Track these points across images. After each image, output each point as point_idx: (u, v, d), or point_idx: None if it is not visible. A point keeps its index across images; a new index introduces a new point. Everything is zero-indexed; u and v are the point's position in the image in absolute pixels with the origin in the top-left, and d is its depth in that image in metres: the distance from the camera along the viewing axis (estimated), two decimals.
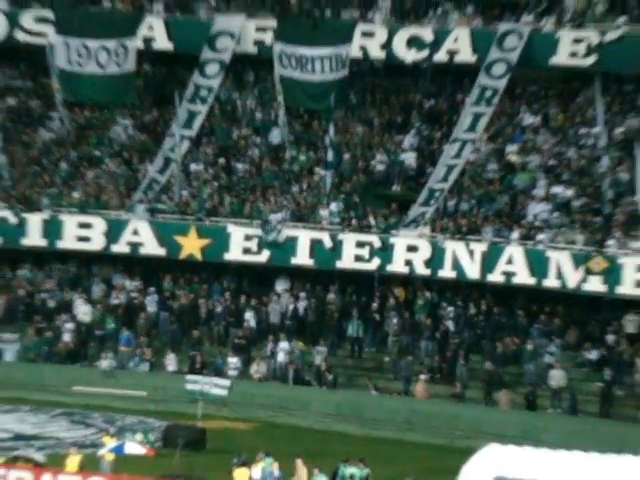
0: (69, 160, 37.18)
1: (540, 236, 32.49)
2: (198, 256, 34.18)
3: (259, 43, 36.51)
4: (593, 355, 31.84)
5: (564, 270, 31.65)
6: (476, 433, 28.97)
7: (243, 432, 29.20)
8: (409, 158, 35.68)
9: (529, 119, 35.86)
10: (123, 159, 37.10)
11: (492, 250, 32.31)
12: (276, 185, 35.63)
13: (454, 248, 32.48)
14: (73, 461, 23.38)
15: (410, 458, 27.35)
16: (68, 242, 34.68)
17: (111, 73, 35.96)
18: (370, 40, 35.88)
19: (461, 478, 19.48)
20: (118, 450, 24.34)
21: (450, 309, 33.13)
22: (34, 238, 34.83)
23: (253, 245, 33.81)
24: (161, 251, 34.31)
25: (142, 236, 34.38)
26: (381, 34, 35.87)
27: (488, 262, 32.19)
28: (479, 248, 32.35)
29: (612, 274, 31.23)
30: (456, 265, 32.39)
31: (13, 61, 39.46)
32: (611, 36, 34.34)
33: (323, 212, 34.29)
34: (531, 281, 31.94)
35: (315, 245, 33.46)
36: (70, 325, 34.24)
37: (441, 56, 35.48)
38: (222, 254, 34.00)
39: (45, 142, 37.83)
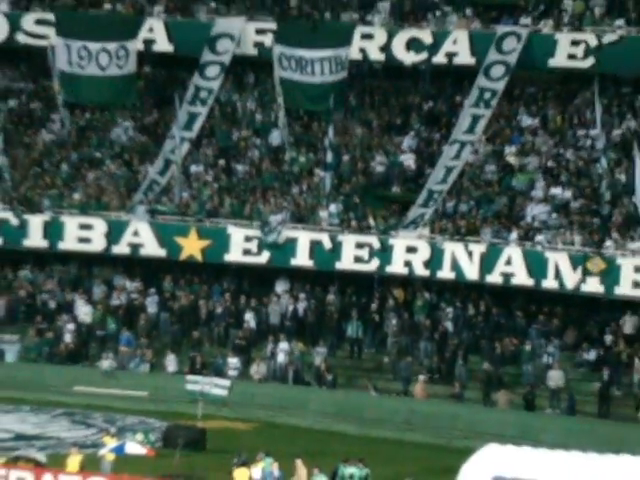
0: (70, 162, 37.27)
1: (539, 237, 32.63)
2: (198, 257, 34.30)
3: (259, 45, 36.58)
4: (591, 355, 31.92)
5: (562, 271, 31.74)
6: (475, 433, 29.04)
7: (243, 432, 29.29)
8: (408, 159, 35.78)
9: (527, 121, 35.92)
10: (124, 161, 37.17)
11: (491, 251, 32.41)
12: (276, 186, 35.72)
13: (453, 249, 32.58)
14: (74, 461, 23.47)
15: (409, 458, 27.45)
16: (69, 243, 34.81)
17: (112, 75, 36.10)
18: (369, 42, 35.95)
19: (460, 478, 19.61)
20: (119, 450, 24.47)
21: (449, 310, 33.21)
22: (35, 239, 34.96)
23: (253, 246, 33.94)
24: (161, 252, 34.44)
25: (142, 237, 34.51)
26: (380, 36, 35.94)
27: (487, 263, 32.29)
28: (478, 249, 32.46)
29: (610, 275, 31.32)
30: (455, 266, 32.50)
31: (14, 63, 39.52)
32: (609, 38, 34.41)
33: (323, 213, 34.39)
34: (529, 282, 32.04)
35: (315, 246, 33.59)
36: (71, 326, 34.37)
37: (440, 58, 35.53)
38: (222, 255, 34.12)
39: (46, 144, 37.90)
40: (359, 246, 33.32)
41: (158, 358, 33.74)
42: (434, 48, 35.51)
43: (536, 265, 31.97)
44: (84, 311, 34.67)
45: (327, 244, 33.58)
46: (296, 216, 34.45)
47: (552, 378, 31.39)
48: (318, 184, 35.47)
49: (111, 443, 24.77)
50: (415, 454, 28.11)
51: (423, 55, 35.71)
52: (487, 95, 34.67)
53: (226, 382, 29.23)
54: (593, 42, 34.55)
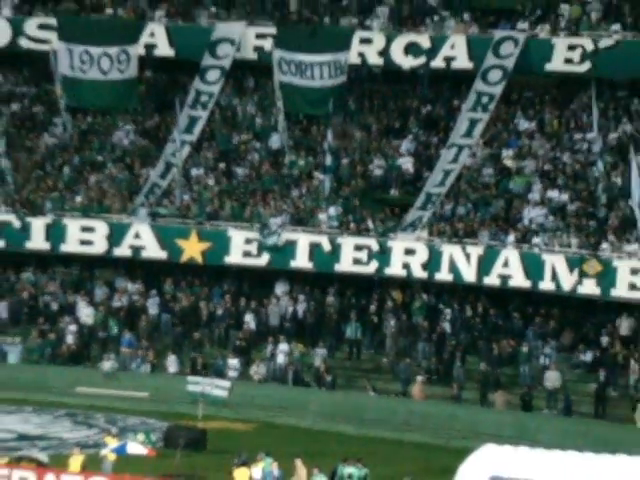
0: (72, 165, 37.43)
1: (535, 240, 32.87)
2: (199, 259, 34.50)
3: (259, 50, 36.64)
4: (588, 357, 32.06)
5: (559, 273, 31.89)
6: (472, 433, 29.21)
7: (243, 433, 29.45)
8: (406, 163, 36.00)
9: (525, 124, 36.03)
10: (125, 164, 37.29)
11: (488, 253, 32.60)
12: (276, 189, 35.89)
13: (451, 251, 32.77)
14: (76, 461, 23.66)
15: (408, 458, 27.61)
16: (71, 245, 34.99)
17: (113, 79, 36.27)
18: (368, 47, 36.02)
19: (458, 478, 19.69)
20: (120, 450, 24.61)
21: (447, 311, 33.34)
22: (37, 242, 35.15)
23: (253, 248, 34.14)
24: (162, 254, 34.64)
25: (144, 240, 34.72)
26: (379, 41, 36.01)
27: (484, 265, 32.47)
28: (475, 251, 32.63)
29: (606, 277, 31.46)
30: (453, 268, 32.67)
31: (17, 67, 39.62)
32: (605, 43, 34.50)
33: (322, 216, 34.56)
34: (526, 284, 32.21)
35: (314, 248, 33.78)
36: (73, 327, 34.53)
37: (438, 62, 35.59)
38: (222, 257, 34.31)
39: (48, 147, 38.02)
40: (358, 248, 33.53)
41: (159, 359, 33.90)
42: (432, 52, 35.58)
43: (533, 267, 32.15)
44: (86, 313, 34.86)
45: (326, 246, 33.80)
46: (296, 219, 34.66)
47: (549, 379, 31.55)
48: (317, 187, 35.63)
49: (112, 443, 24.94)
50: (413, 454, 28.28)
51: (421, 59, 35.79)
52: (485, 99, 34.85)
53: (226, 383, 29.49)
54: (589, 47, 34.63)
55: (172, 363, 33.76)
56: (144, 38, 36.93)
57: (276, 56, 35.62)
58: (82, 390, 32.85)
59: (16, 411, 30.89)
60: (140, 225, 34.73)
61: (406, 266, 33.07)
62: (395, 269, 33.18)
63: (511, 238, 32.95)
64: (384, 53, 36.03)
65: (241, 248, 34.22)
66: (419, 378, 32.26)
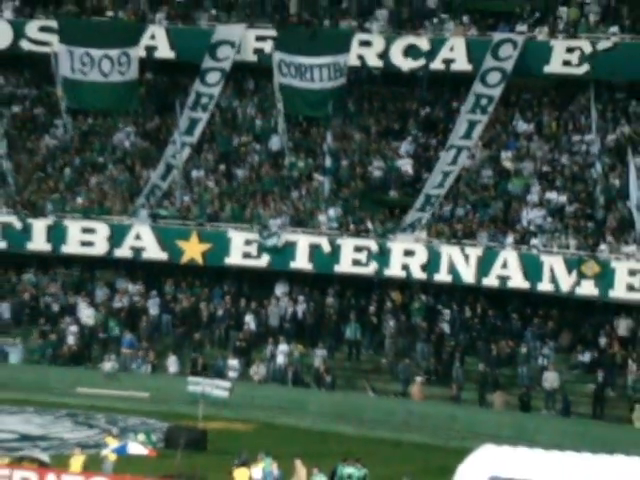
0: (73, 166, 37.54)
1: (534, 241, 33.00)
2: (199, 260, 34.64)
3: (259, 52, 36.72)
4: (586, 357, 32.16)
5: (558, 274, 32.02)
6: (471, 434, 29.29)
7: (243, 433, 29.53)
8: (406, 164, 36.13)
9: (523, 126, 36.12)
10: (126, 165, 37.41)
11: (487, 254, 32.73)
12: (275, 191, 36.01)
13: (450, 252, 32.89)
14: (77, 461, 23.73)
15: (407, 458, 27.68)
16: (72, 247, 35.13)
17: (114, 81, 36.40)
18: (368, 49, 36.10)
19: (457, 478, 19.70)
20: (121, 450, 24.75)
21: (446, 312, 33.47)
22: (39, 243, 35.29)
23: (253, 250, 34.27)
24: (163, 255, 34.78)
25: (144, 241, 34.86)
26: (378, 43, 36.11)
27: (483, 266, 32.59)
28: (474, 252, 32.75)
29: (604, 278, 31.57)
30: (452, 269, 32.80)
31: (18, 69, 39.74)
32: (603, 45, 34.58)
33: (321, 217, 34.69)
34: (525, 285, 32.34)
35: (314, 250, 33.90)
36: (74, 328, 34.67)
37: (437, 65, 35.68)
38: (223, 258, 34.44)
39: (49, 149, 38.17)
40: (357, 249, 33.66)
41: (160, 360, 34.04)
42: (431, 55, 35.67)
43: (532, 268, 32.27)
44: (87, 314, 34.99)
45: (326, 247, 33.94)
46: (295, 220, 34.81)
47: (547, 380, 31.65)
48: (317, 189, 35.75)
49: (113, 444, 25.08)
50: (413, 454, 28.35)
51: (420, 62, 35.87)
52: (483, 101, 34.96)
53: (227, 383, 29.60)
54: (588, 49, 34.72)
55: (172, 364, 33.91)
56: (145, 40, 37.04)
57: (276, 58, 35.75)
58: (83, 390, 32.97)
59: (17, 411, 30.97)
60: (141, 226, 34.87)
61: (405, 267, 33.20)
62: (394, 270, 33.31)
63: (510, 239, 33.08)
64: (383, 55, 36.12)
65: (241, 249, 34.36)
66: (418, 379, 32.38)
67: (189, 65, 37.37)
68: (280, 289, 34.87)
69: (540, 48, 35.25)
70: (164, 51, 37.43)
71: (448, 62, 35.77)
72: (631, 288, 31.62)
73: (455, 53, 35.68)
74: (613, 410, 31.20)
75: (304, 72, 35.57)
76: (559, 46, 35.06)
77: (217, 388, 29.12)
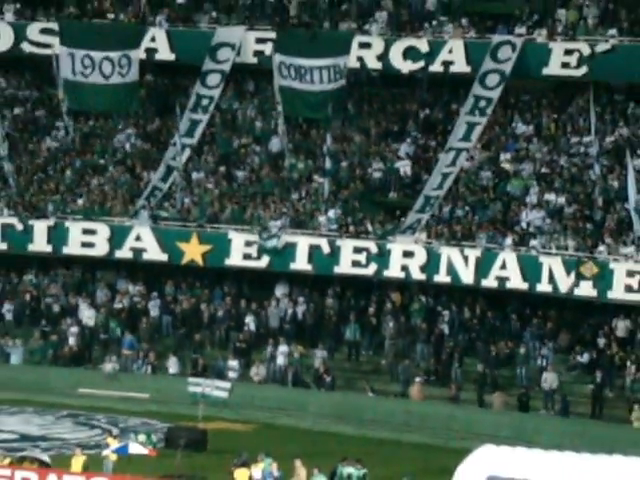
0: (74, 168, 37.66)
1: (533, 242, 33.12)
2: (199, 262, 34.75)
3: (259, 54, 36.81)
4: (584, 358, 32.24)
5: (556, 275, 32.10)
6: (470, 434, 29.39)
7: (243, 433, 29.63)
8: (405, 166, 36.30)
9: (522, 128, 36.18)
10: (126, 167, 37.51)
11: (486, 256, 32.82)
12: (275, 192, 36.12)
13: (449, 254, 32.98)
14: (78, 462, 23.83)
15: (406, 458, 27.76)
16: (73, 248, 35.24)
17: (115, 83, 36.52)
18: (367, 51, 36.15)
19: (456, 478, 19.72)
20: (122, 451, 24.80)
21: (445, 313, 33.57)
22: (40, 244, 35.41)
23: (253, 251, 34.38)
24: (163, 257, 34.89)
25: (145, 242, 34.98)
26: (378, 45, 36.16)
27: (482, 267, 32.67)
28: (473, 254, 32.84)
29: (603, 279, 31.65)
30: (451, 270, 32.90)
31: (19, 71, 39.85)
32: (602, 48, 34.63)
33: (321, 218, 34.79)
34: (524, 286, 32.42)
35: (314, 251, 34.01)
36: (75, 329, 34.80)
37: (436, 67, 35.71)
38: (223, 260, 34.56)
39: (50, 150, 38.28)
40: (357, 251, 33.76)
41: (160, 361, 34.16)
42: (430, 57, 35.74)
43: (530, 269, 32.37)
44: (87, 315, 35.12)
45: (326, 249, 34.06)
46: (295, 221, 34.93)
47: (546, 380, 31.73)
48: (317, 190, 35.84)
49: (114, 444, 25.21)
50: (412, 454, 28.43)
51: (420, 64, 35.93)
52: (482, 103, 35.06)
53: (227, 384, 29.74)
54: (586, 51, 34.79)
55: (173, 364, 34.02)
56: (145, 42, 37.13)
57: (276, 60, 35.86)
58: (84, 391, 33.07)
59: (18, 412, 31.08)
60: (141, 228, 34.99)
61: (405, 268, 33.31)
62: (394, 271, 33.41)
63: (509, 241, 33.17)
64: (383, 57, 36.18)
65: (241, 250, 34.48)
66: (417, 379, 32.51)
67: (189, 67, 37.49)
68: (280, 290, 34.98)
69: (539, 50, 35.33)
70: (164, 53, 37.55)
71: (447, 64, 35.83)
72: (629, 289, 31.71)
73: (454, 55, 35.76)
74: (612, 410, 31.31)
75: (304, 74, 35.69)
76: (558, 48, 35.12)
77: (217, 389, 29.25)
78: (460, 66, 35.70)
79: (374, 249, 33.63)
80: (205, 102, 36.89)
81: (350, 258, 33.73)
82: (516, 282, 32.53)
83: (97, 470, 24.05)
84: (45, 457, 24.86)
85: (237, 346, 34.12)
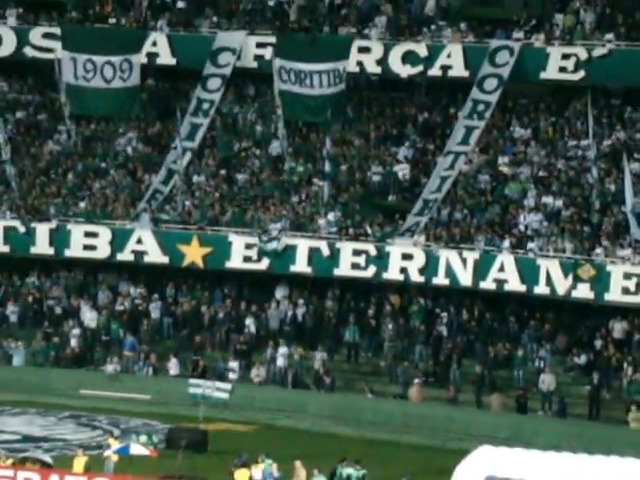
0: (76, 171, 37.77)
1: (531, 245, 33.32)
2: (200, 264, 34.89)
3: (259, 58, 36.88)
4: (582, 360, 32.39)
5: (554, 277, 32.22)
6: (469, 435, 29.57)
7: (244, 434, 29.75)
8: (404, 169, 36.49)
9: (520, 132, 36.30)
10: (128, 170, 37.64)
11: (484, 258, 32.95)
12: (276, 195, 36.30)
13: (447, 256, 33.13)
14: (79, 462, 23.98)
15: (405, 459, 27.90)
16: (75, 250, 35.38)
17: (116, 87, 36.64)
18: (366, 55, 36.24)
19: (454, 478, 20.01)
20: (123, 451, 24.98)
21: (444, 315, 33.71)
22: (42, 247, 35.56)
23: (253, 253, 34.50)
24: (164, 259, 35.04)
25: (146, 245, 35.13)
26: (377, 50, 36.26)
27: (480, 270, 32.81)
28: (472, 256, 32.99)
29: (600, 281, 31.79)
30: (449, 273, 33.06)
31: (22, 75, 39.98)
32: (599, 52, 34.75)
33: (321, 221, 34.95)
34: (522, 288, 32.57)
35: (313, 253, 34.15)
36: (77, 331, 34.93)
37: (435, 71, 35.84)
38: (223, 262, 34.70)
39: (53, 154, 38.38)
40: (356, 253, 33.91)
41: (161, 362, 34.30)
42: (429, 61, 35.83)
43: (528, 272, 32.53)
44: (89, 316, 35.26)
45: (325, 251, 34.24)
46: (295, 224, 35.13)
47: (544, 382, 31.85)
48: (316, 193, 35.91)
49: (115, 445, 25.36)
50: (411, 455, 28.58)
51: (419, 68, 36.02)
52: (481, 107, 35.21)
53: (227, 385, 29.95)
54: (583, 55, 34.89)
55: (174, 366, 34.17)
56: (146, 47, 37.22)
57: (276, 65, 36.01)
58: (86, 392, 33.21)
59: (21, 413, 31.24)
60: (142, 230, 35.18)
61: (403, 271, 33.46)
62: (393, 274, 33.57)
63: (506, 243, 33.30)
64: (382, 62, 36.28)
65: (241, 253, 34.64)
66: (416, 381, 32.68)
67: (190, 71, 37.64)
68: (280, 292, 35.17)
69: (536, 55, 35.46)
70: (166, 57, 37.66)
71: (446, 68, 35.94)
72: (626, 291, 31.84)
73: (453, 59, 35.87)
74: (609, 412, 31.43)
75: (304, 78, 35.87)
76: (555, 53, 35.26)
77: (218, 390, 29.47)
78: (458, 70, 35.83)
79: (373, 252, 33.81)
80: (206, 106, 37.06)
81: (349, 260, 33.89)
82: (514, 284, 32.70)
83: (98, 471, 24.20)
84: (47, 458, 25.03)
85: (237, 348, 34.31)
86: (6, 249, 35.93)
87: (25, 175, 37.75)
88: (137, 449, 25.36)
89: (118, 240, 35.19)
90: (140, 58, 36.94)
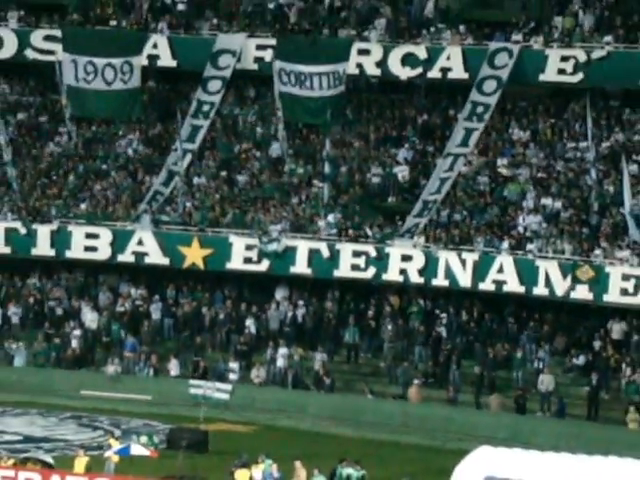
0: (77, 173, 37.85)
1: (530, 246, 33.43)
2: (201, 265, 34.98)
3: (259, 60, 36.97)
4: (580, 360, 32.47)
5: (553, 279, 32.30)
6: (468, 436, 29.61)
7: (244, 435, 29.84)
8: (403, 171, 36.59)
9: (519, 134, 36.40)
10: (129, 172, 37.77)
11: (483, 259, 33.05)
12: (276, 197, 36.37)
13: (447, 257, 33.23)
14: (80, 463, 24.07)
15: (405, 459, 27.99)
16: (76, 252, 35.45)
17: (117, 89, 36.71)
18: (366, 58, 36.33)
19: (453, 479, 20.03)
20: (124, 452, 25.05)
21: (443, 316, 33.79)
22: (43, 248, 35.65)
23: (254, 255, 34.59)
24: (165, 260, 35.13)
25: (147, 246, 35.23)
26: (377, 52, 36.37)
27: (479, 271, 32.91)
28: (471, 257, 33.09)
29: (599, 283, 31.87)
30: (449, 274, 33.15)
31: (23, 77, 40.06)
32: (598, 54, 34.89)
33: (321, 223, 35.02)
34: (521, 289, 32.65)
35: (313, 255, 34.24)
36: (77, 332, 35.00)
37: (434, 73, 35.92)
38: (224, 263, 34.77)
39: (54, 156, 38.49)
40: (356, 254, 34.01)
41: (162, 363, 34.39)
42: (429, 63, 35.94)
43: (527, 273, 32.61)
44: (90, 317, 35.34)
45: (325, 253, 34.33)
46: (295, 225, 35.24)
47: (542, 382, 31.93)
48: (316, 194, 35.97)
49: (116, 445, 25.44)
50: (410, 456, 28.65)
51: (418, 70, 36.11)
52: (480, 109, 35.32)
53: (228, 386, 30.09)
54: (582, 58, 35.01)
55: (174, 367, 34.27)
56: (147, 49, 37.27)
57: (276, 67, 36.10)
58: (87, 393, 33.31)
59: (22, 414, 31.31)
60: (143, 232, 35.27)
61: (403, 272, 33.56)
62: (392, 275, 33.66)
63: (506, 244, 33.39)
64: (382, 64, 36.38)
65: (242, 254, 34.74)
66: (416, 381, 32.78)
67: (191, 73, 37.72)
68: (280, 293, 35.27)
69: (535, 57, 35.54)
70: (166, 60, 37.74)
71: (445, 70, 36.04)
72: (625, 292, 31.91)
73: (452, 62, 35.96)
74: (607, 412, 31.51)
75: (304, 80, 35.97)
76: (554, 55, 35.33)
77: (218, 391, 29.60)
78: (458, 72, 35.90)
79: (373, 253, 33.92)
80: (206, 108, 37.16)
81: (349, 262, 33.98)
82: (513, 285, 32.80)
83: (99, 471, 24.28)
84: (48, 458, 25.12)
85: (238, 349, 34.42)
86: (7, 250, 36.02)
87: (26, 177, 37.85)
88: (138, 450, 25.45)
89: (119, 241, 35.30)
90: (141, 60, 37.03)
